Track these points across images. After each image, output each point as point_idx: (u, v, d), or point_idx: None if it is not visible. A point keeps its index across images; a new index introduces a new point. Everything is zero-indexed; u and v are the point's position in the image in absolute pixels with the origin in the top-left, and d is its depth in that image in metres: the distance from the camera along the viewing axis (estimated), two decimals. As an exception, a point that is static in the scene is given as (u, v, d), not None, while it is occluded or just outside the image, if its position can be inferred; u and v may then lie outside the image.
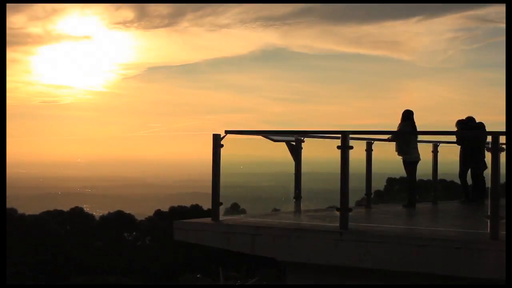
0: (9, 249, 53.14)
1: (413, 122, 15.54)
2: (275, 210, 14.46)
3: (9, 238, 54.57)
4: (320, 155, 14.49)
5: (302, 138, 13.39)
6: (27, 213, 60.51)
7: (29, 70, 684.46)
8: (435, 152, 16.93)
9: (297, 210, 13.46)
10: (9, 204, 61.13)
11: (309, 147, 13.46)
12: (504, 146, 10.54)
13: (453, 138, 16.98)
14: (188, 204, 61.62)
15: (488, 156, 9.78)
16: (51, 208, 63.41)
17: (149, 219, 60.47)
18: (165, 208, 61.69)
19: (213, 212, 11.88)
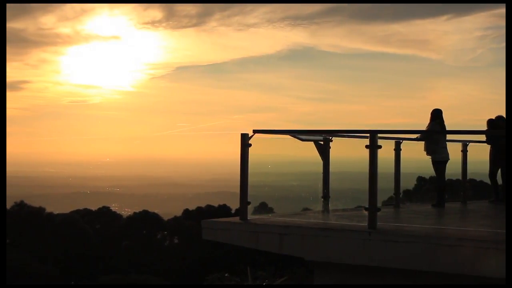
0: (37, 247, 53.56)
1: (442, 121, 15.44)
2: (306, 209, 14.41)
3: (38, 237, 55.01)
4: (348, 154, 14.45)
5: (330, 138, 13.34)
6: (56, 212, 60.92)
7: (58, 70, 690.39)
8: (464, 151, 16.82)
9: (325, 209, 13.42)
10: (37, 203, 61.69)
11: (337, 146, 13.42)
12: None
13: (482, 137, 16.85)
14: (215, 203, 61.74)
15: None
16: (81, 207, 63.83)
17: (176, 218, 60.64)
18: (193, 207, 61.85)
19: (241, 212, 11.89)
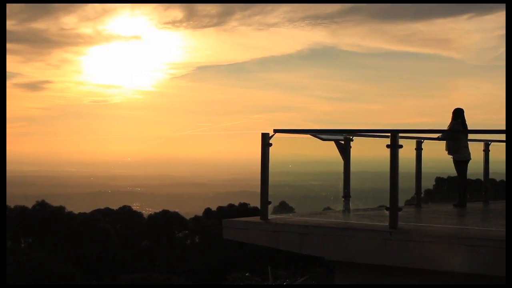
0: (58, 247, 53.80)
1: (464, 121, 15.36)
2: (327, 209, 14.38)
3: (59, 236, 55.27)
4: (369, 154, 14.40)
5: (351, 137, 13.30)
6: (77, 212, 61.18)
7: (80, 70, 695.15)
8: (486, 151, 16.71)
9: (346, 209, 13.39)
10: (58, 203, 62.02)
11: (358, 146, 13.38)
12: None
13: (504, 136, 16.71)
14: (236, 203, 61.77)
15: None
16: (102, 207, 64.09)
17: (197, 218, 60.73)
18: (213, 207, 61.94)
19: (261, 211, 11.87)
